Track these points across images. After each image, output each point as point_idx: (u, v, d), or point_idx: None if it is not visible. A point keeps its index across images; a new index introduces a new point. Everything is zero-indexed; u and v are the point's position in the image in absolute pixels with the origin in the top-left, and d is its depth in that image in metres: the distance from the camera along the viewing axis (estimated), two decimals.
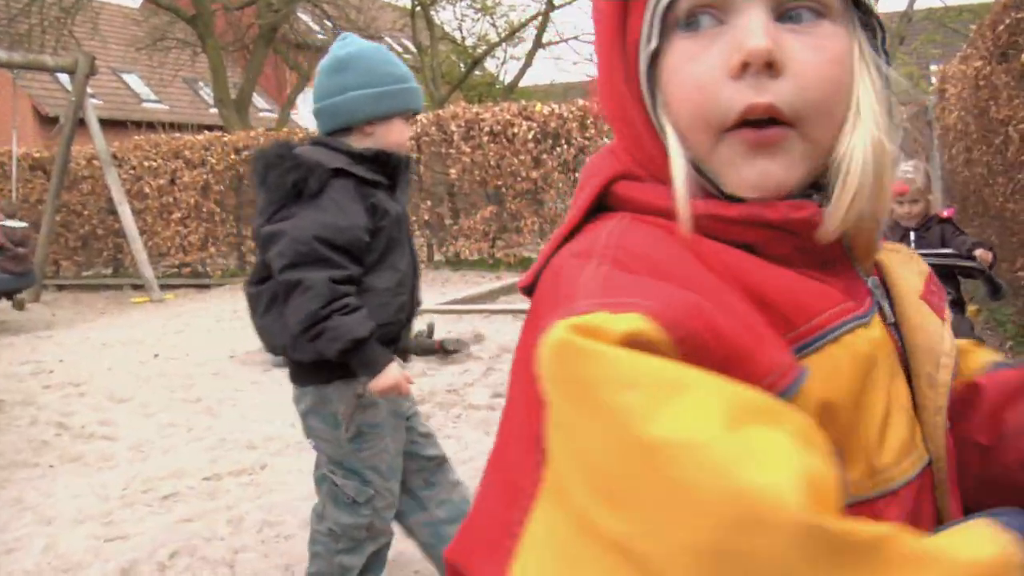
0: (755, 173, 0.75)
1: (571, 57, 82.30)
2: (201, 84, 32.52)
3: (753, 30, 0.73)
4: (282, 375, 6.92)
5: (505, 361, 7.00)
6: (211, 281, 13.51)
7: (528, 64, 23.48)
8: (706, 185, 0.78)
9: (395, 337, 2.67)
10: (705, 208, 0.76)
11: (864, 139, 0.76)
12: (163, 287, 13.02)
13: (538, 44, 23.36)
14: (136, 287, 13.62)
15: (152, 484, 4.70)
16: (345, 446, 2.65)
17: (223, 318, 10.39)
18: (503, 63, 28.28)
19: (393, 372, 2.51)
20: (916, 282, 0.89)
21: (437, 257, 12.51)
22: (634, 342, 0.63)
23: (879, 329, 0.80)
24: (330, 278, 2.45)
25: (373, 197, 2.57)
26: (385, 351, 2.53)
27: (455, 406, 5.73)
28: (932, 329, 0.85)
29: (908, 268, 0.91)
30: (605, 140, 11.24)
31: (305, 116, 30.14)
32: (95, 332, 9.95)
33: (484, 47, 25.73)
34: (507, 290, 10.91)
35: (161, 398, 6.49)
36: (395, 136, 2.66)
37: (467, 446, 4.96)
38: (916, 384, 0.84)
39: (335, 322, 2.43)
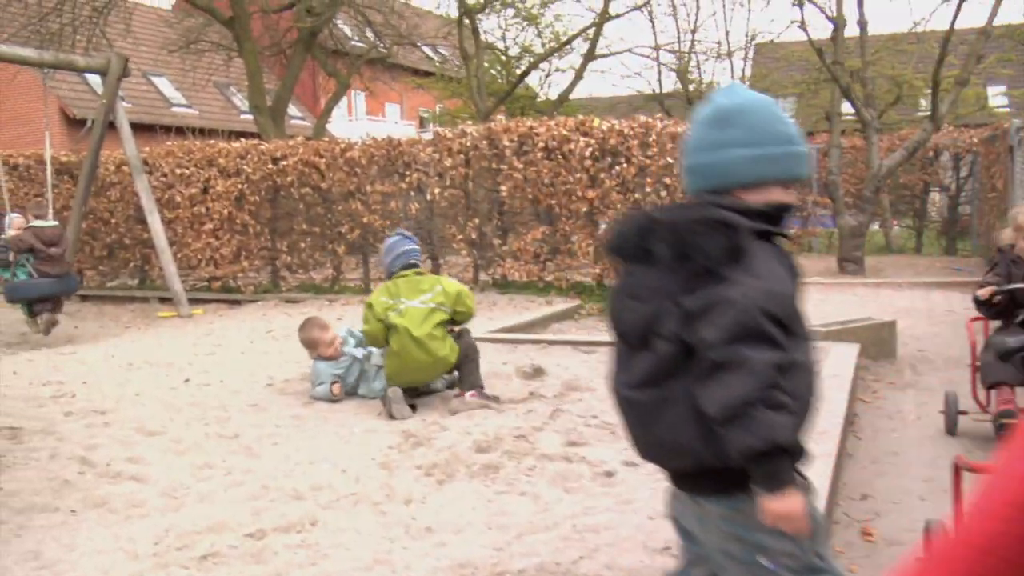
0: None
1: (619, 71, 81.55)
2: (233, 89, 32.17)
3: None
4: (326, 410, 6.26)
5: (572, 401, 6.34)
6: (242, 297, 12.90)
7: (579, 77, 22.75)
8: None
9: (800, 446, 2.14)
10: None
11: None
12: (192, 301, 12.44)
13: (590, 56, 22.65)
14: (163, 300, 13.07)
15: (188, 540, 4.04)
16: (807, 545, 2.20)
17: (256, 338, 9.77)
18: (547, 75, 27.68)
19: (797, 501, 2.05)
20: None
21: (483, 278, 11.86)
22: None
23: None
24: (772, 362, 2.04)
25: (788, 258, 2.24)
26: (793, 474, 2.07)
27: (527, 456, 5.05)
28: None
29: None
30: (668, 159, 10.63)
31: (337, 126, 29.65)
32: (120, 350, 9.34)
33: (529, 58, 25.11)
34: (559, 316, 10.26)
35: (194, 432, 5.82)
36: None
37: (547, 507, 4.30)
38: None
39: (760, 413, 2.00)
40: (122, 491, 4.73)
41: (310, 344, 6.79)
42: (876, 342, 8.16)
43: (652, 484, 4.51)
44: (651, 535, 3.83)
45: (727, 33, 40.42)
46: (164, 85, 30.39)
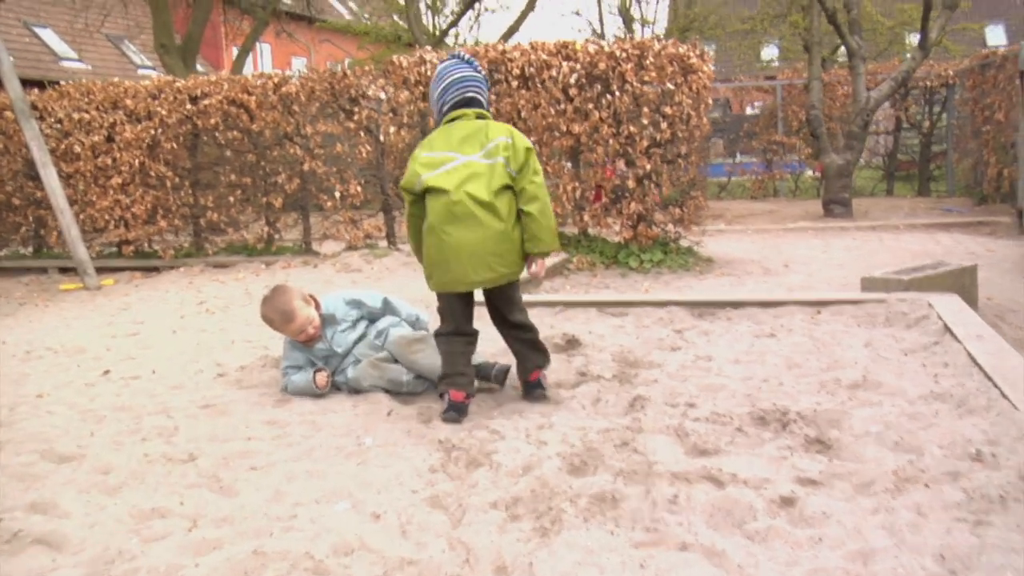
0: None
1: (555, 8, 76.34)
2: (128, 43, 29.56)
3: None
4: (313, 410, 4.38)
5: (644, 383, 4.69)
6: (161, 263, 10.95)
7: (531, 7, 20.80)
8: None
9: None
10: None
11: None
12: (100, 270, 10.44)
13: None
14: (64, 271, 11.06)
15: None
16: None
17: (187, 312, 7.91)
18: (477, 16, 25.84)
19: None
20: None
21: None
22: None
23: None
24: None
25: None
26: None
27: (649, 476, 3.34)
28: None
29: None
30: (669, 86, 8.99)
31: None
32: (14, 334, 7.38)
33: None
34: (547, 272, 8.50)
35: (128, 455, 3.94)
36: None
37: (744, 574, 2.62)
38: None
39: None
40: (24, 567, 2.93)
41: (271, 326, 4.97)
42: (958, 291, 6.74)
43: (871, 517, 2.89)
44: None
45: None
46: (50, 37, 27.69)
